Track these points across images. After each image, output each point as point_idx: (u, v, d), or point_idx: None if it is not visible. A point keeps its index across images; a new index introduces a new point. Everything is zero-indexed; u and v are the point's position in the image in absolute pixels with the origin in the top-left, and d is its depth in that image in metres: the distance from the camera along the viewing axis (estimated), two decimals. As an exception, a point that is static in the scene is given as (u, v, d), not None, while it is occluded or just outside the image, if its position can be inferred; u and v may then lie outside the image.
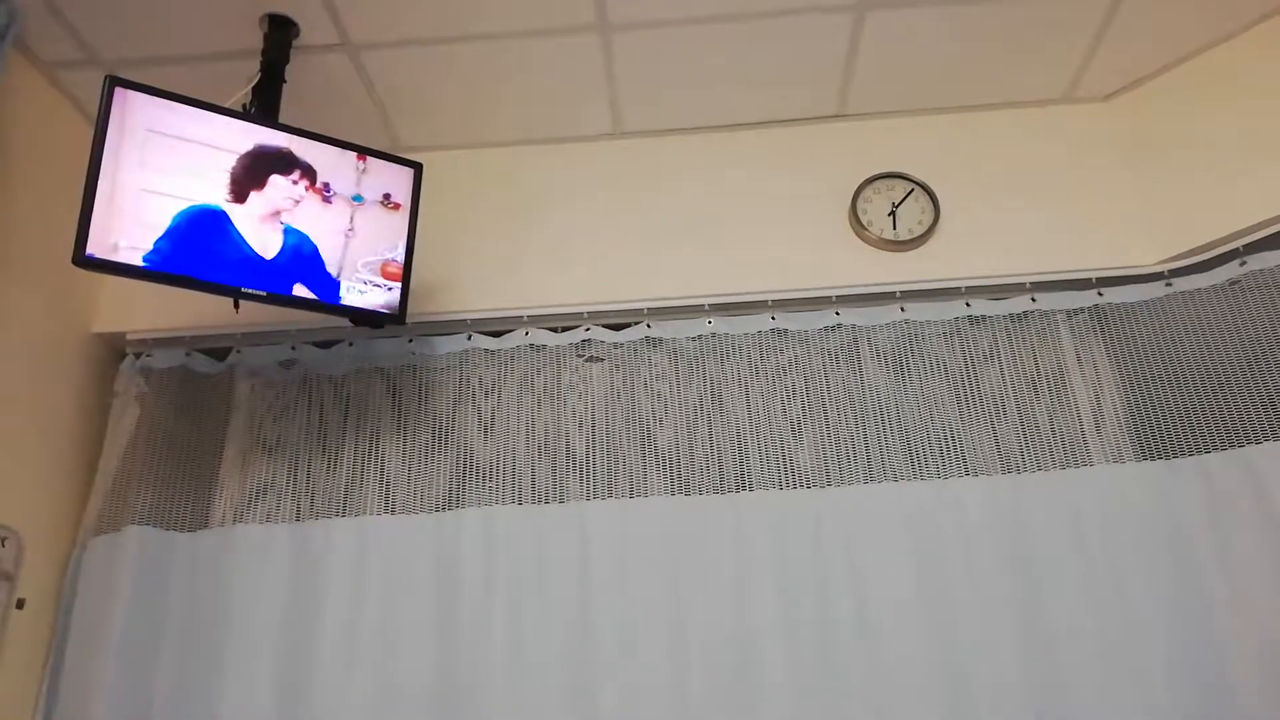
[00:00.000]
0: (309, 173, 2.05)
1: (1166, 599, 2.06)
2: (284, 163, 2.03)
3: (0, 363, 2.13)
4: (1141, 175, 2.46)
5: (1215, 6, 2.29)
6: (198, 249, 1.91)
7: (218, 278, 1.94)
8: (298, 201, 2.04)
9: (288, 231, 2.02)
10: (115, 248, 1.84)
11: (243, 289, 1.97)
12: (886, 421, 2.34)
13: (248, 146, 1.99)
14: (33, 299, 2.25)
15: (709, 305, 2.46)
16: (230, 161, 1.97)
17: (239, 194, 1.97)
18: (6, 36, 2.08)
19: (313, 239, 2.05)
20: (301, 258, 2.04)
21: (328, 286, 2.07)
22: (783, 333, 2.46)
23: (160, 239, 1.88)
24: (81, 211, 1.81)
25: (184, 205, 1.91)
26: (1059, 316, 2.43)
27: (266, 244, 1.99)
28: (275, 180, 2.01)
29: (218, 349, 2.53)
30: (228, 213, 1.95)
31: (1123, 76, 2.51)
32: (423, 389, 2.47)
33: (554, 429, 2.40)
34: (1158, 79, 2.50)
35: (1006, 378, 2.38)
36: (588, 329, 2.48)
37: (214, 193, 1.95)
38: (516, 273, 2.50)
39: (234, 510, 2.37)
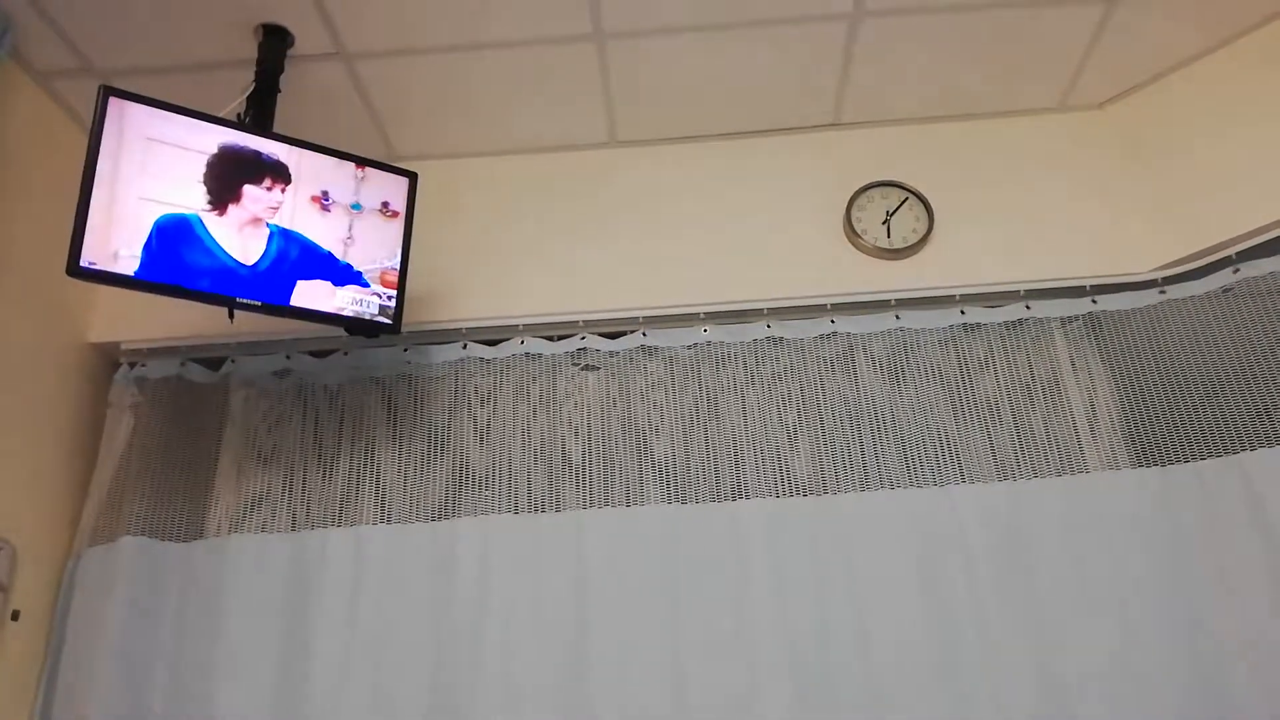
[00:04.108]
0: (280, 174, 2.04)
1: (1162, 604, 2.06)
2: (253, 170, 2.02)
3: (-6, 373, 2.13)
4: (1135, 182, 2.47)
5: (1208, 15, 2.30)
6: (176, 256, 1.91)
7: (207, 287, 1.93)
8: (275, 208, 2.03)
9: (272, 236, 2.02)
10: (115, 257, 1.83)
11: (237, 299, 1.96)
12: (882, 429, 2.34)
13: (215, 152, 1.98)
14: (27, 308, 2.24)
15: (704, 313, 2.46)
16: (208, 168, 1.97)
17: (217, 204, 1.97)
18: (1, 45, 2.07)
19: (304, 234, 2.05)
20: (296, 259, 2.04)
21: (343, 273, 2.08)
22: (778, 341, 2.46)
23: (143, 247, 1.87)
24: (75, 221, 1.81)
25: (164, 211, 1.91)
26: (1053, 324, 2.43)
27: (247, 250, 1.98)
28: (248, 190, 2.00)
29: (212, 359, 2.53)
30: (201, 219, 1.94)
31: (1116, 85, 2.53)
32: (418, 398, 2.47)
33: (550, 437, 2.40)
34: (1151, 87, 2.51)
35: (1002, 385, 2.38)
36: (583, 337, 2.48)
37: (193, 200, 1.94)
38: (512, 281, 2.50)
39: (229, 520, 2.36)
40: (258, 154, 2.02)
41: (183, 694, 2.15)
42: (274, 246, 2.01)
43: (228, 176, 1.98)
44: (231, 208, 1.97)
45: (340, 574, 2.22)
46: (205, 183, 1.95)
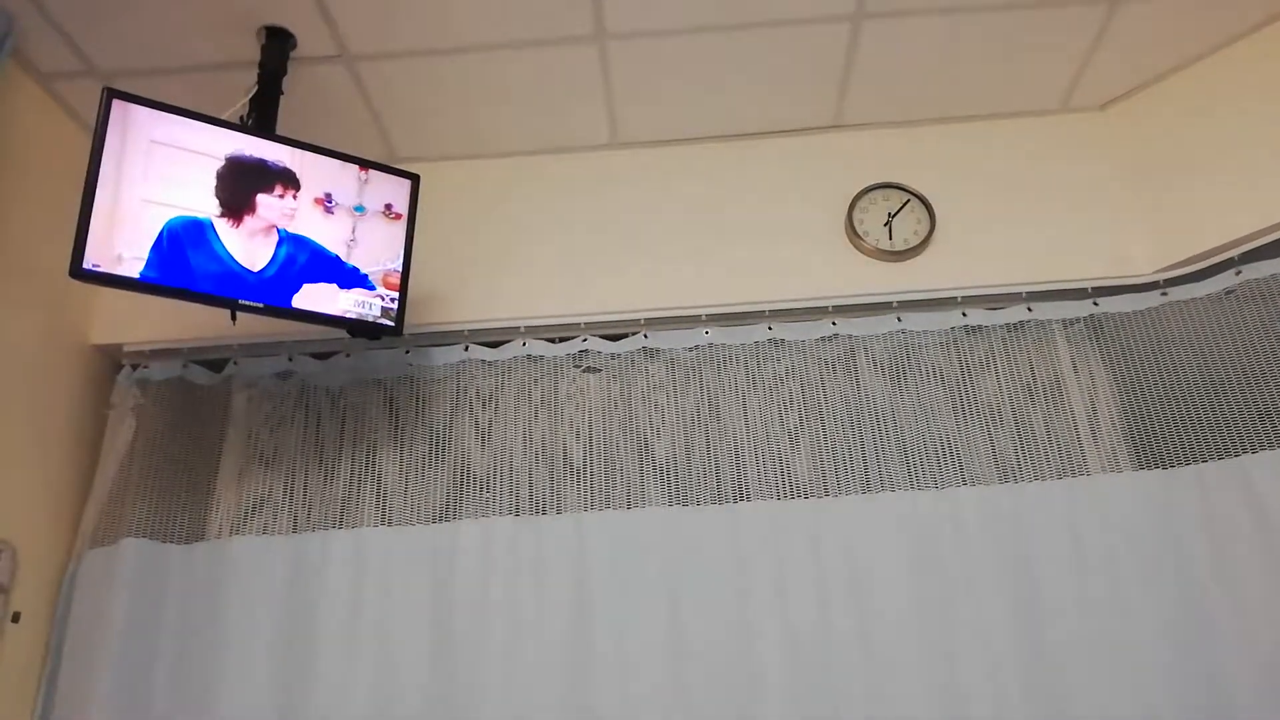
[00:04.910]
0: (289, 180, 2.04)
1: (1164, 607, 2.06)
2: (263, 178, 2.02)
3: (-4, 375, 2.13)
4: (1137, 184, 2.47)
5: (1209, 16, 2.30)
6: (183, 260, 1.91)
7: (211, 290, 1.93)
8: (290, 214, 2.03)
9: (282, 241, 2.02)
10: (119, 259, 1.84)
11: (240, 301, 1.96)
12: (884, 431, 2.34)
13: (222, 163, 1.97)
14: (30, 310, 2.24)
15: (706, 315, 2.46)
16: (219, 179, 1.97)
17: (230, 213, 1.97)
18: (3, 47, 2.07)
19: (312, 238, 2.06)
20: (305, 264, 2.04)
21: (350, 276, 2.09)
22: (779, 343, 2.46)
23: (150, 250, 1.87)
24: (78, 224, 1.81)
25: (173, 215, 1.91)
26: (1055, 326, 2.43)
27: (255, 256, 1.99)
28: (261, 199, 2.00)
29: (215, 360, 2.53)
30: (214, 223, 1.95)
31: (1118, 86, 2.53)
32: (420, 400, 2.47)
33: (551, 439, 2.40)
34: (1153, 88, 2.51)
35: (1003, 387, 2.38)
36: (585, 339, 2.48)
37: (203, 204, 1.94)
38: (513, 283, 2.50)
39: (230, 522, 2.36)
40: (264, 161, 2.02)
41: (183, 696, 2.15)
42: (282, 252, 2.02)
43: (239, 186, 1.98)
44: (247, 217, 1.98)
45: (341, 576, 2.22)
46: (218, 194, 1.96)
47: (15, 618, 2.12)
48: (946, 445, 2.32)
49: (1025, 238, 2.46)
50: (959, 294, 2.43)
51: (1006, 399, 2.36)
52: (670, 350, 2.47)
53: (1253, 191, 2.25)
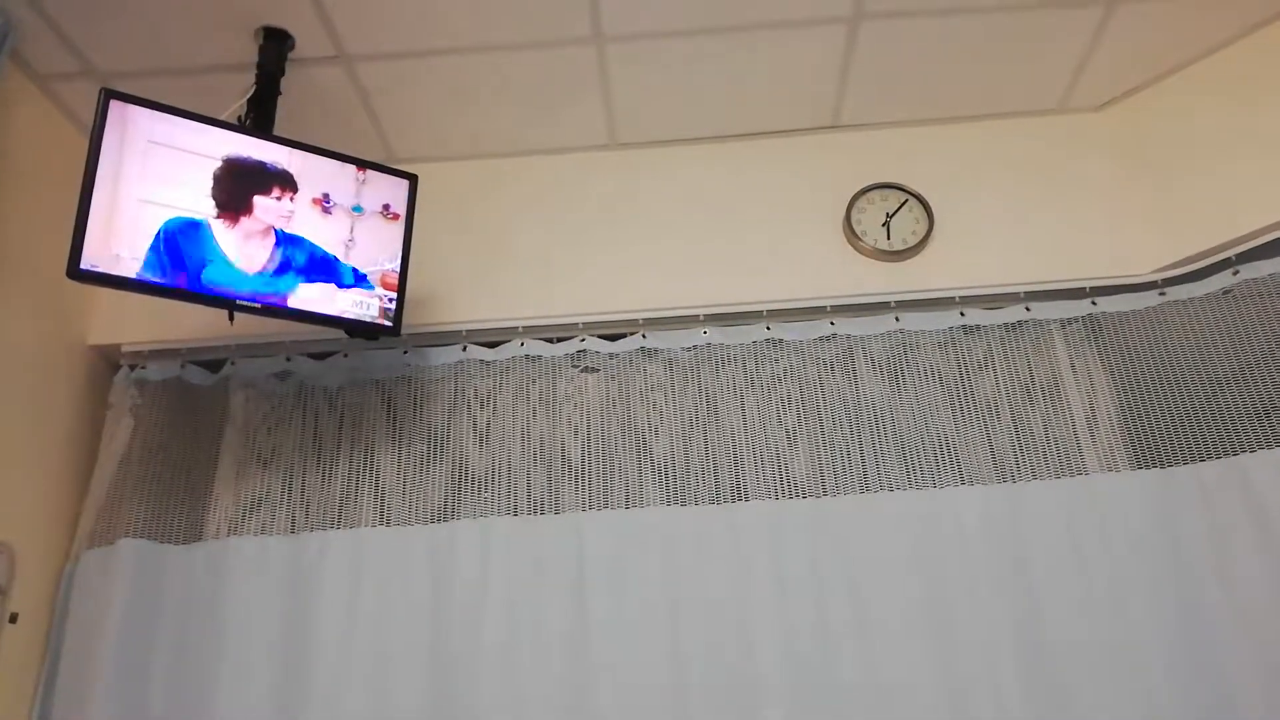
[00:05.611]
0: (287, 183, 2.04)
1: (1163, 607, 2.06)
2: (261, 180, 2.02)
3: (-6, 375, 2.13)
4: (1135, 184, 2.47)
5: (1206, 18, 2.31)
6: (180, 261, 1.91)
7: (208, 290, 1.93)
8: (287, 217, 2.03)
9: (279, 242, 2.02)
10: (117, 259, 1.84)
11: (238, 301, 1.96)
12: (882, 431, 2.34)
13: (219, 164, 1.97)
14: (27, 311, 2.24)
15: (704, 315, 2.46)
16: (216, 181, 1.97)
17: (227, 214, 1.97)
18: (2, 48, 2.07)
19: (309, 239, 2.06)
20: (302, 265, 2.04)
21: (348, 276, 2.09)
22: (778, 343, 2.46)
23: (148, 250, 1.87)
24: (76, 224, 1.80)
25: (172, 215, 1.91)
26: (1053, 325, 2.43)
27: (252, 257, 1.98)
28: (259, 201, 2.00)
29: (212, 361, 2.53)
30: (210, 224, 1.95)
31: (1116, 86, 2.53)
32: (418, 400, 2.47)
33: (549, 439, 2.40)
34: (1151, 89, 2.51)
35: (1001, 387, 2.38)
36: (583, 339, 2.48)
37: (200, 205, 1.94)
38: (511, 284, 2.50)
39: (228, 522, 2.36)
40: (262, 164, 2.02)
41: (182, 697, 2.14)
42: (280, 253, 2.02)
43: (237, 188, 1.98)
44: (244, 219, 1.98)
45: (339, 576, 2.22)
46: (214, 195, 1.96)
47: (13, 618, 2.12)
48: (945, 445, 2.32)
49: (1023, 237, 2.46)
50: (957, 294, 2.43)
51: (1005, 399, 2.36)
52: (668, 350, 2.47)
53: (1250, 191, 2.26)
